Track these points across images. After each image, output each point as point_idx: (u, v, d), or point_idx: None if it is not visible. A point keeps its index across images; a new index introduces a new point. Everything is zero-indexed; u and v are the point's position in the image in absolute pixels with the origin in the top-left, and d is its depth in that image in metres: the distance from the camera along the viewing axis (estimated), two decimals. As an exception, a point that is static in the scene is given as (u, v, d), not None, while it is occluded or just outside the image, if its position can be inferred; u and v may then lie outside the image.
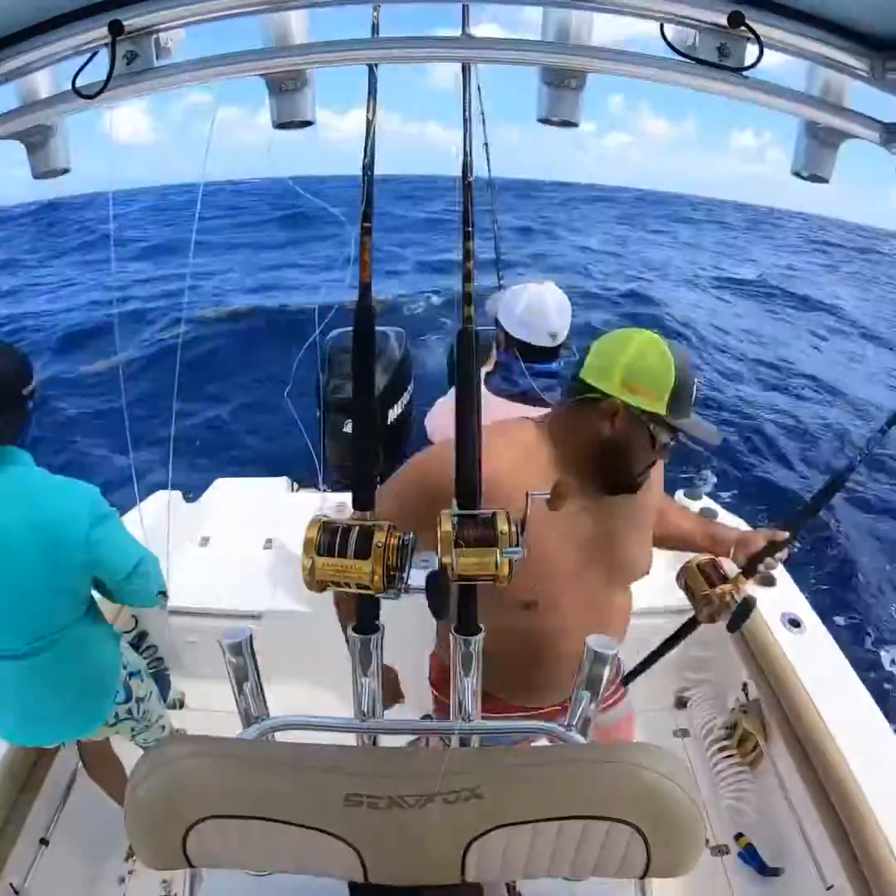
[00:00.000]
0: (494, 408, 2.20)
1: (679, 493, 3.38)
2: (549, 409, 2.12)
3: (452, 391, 2.60)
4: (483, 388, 2.22)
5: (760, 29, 0.82)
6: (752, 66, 0.85)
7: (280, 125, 1.00)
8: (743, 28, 0.82)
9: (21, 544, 1.74)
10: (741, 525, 3.16)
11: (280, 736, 1.33)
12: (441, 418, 2.29)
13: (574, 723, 1.37)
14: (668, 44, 0.89)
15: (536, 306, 2.20)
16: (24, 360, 1.80)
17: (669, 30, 0.89)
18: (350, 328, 1.29)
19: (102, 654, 2.10)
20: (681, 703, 3.07)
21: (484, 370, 2.35)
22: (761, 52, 0.83)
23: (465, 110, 1.42)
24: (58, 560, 1.79)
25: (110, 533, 1.89)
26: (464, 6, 1.15)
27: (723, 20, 0.82)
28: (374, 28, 1.07)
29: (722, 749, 2.70)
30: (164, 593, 2.15)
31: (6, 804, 2.02)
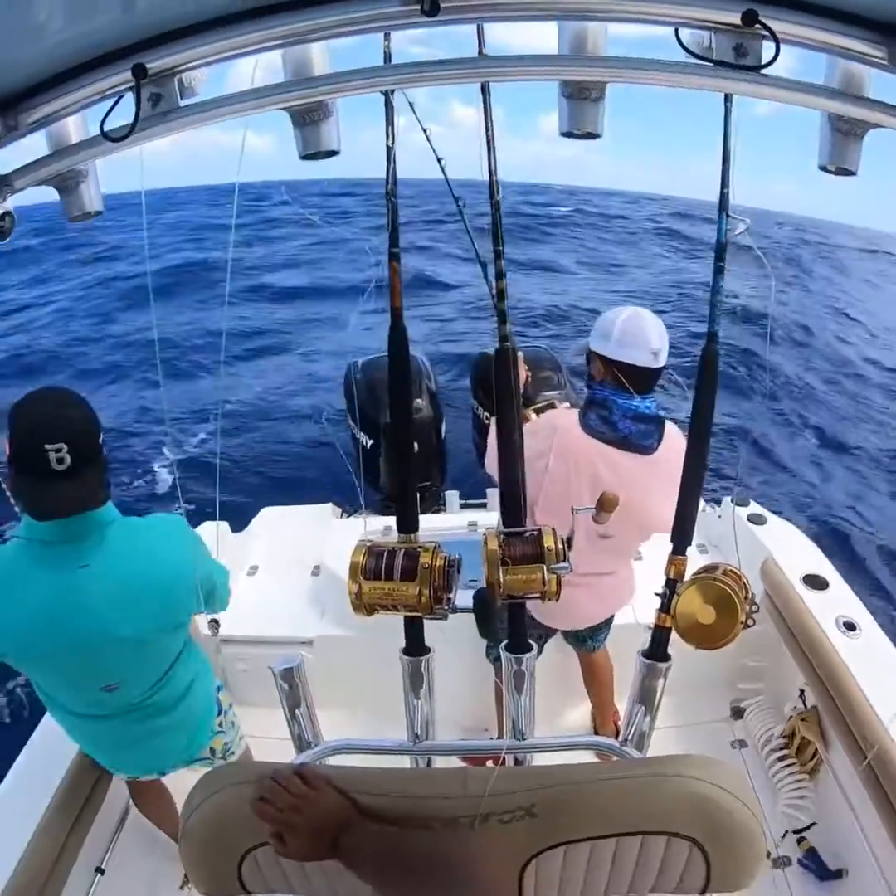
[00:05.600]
0: (587, 451, 2.09)
1: (726, 500, 3.32)
2: (646, 456, 2.08)
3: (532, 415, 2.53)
4: (577, 428, 2.11)
5: (775, 25, 0.81)
6: (771, 63, 0.84)
7: (306, 156, 1.00)
8: (758, 26, 0.81)
9: (145, 602, 1.72)
10: (792, 530, 3.10)
11: (333, 760, 1.34)
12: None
13: (628, 737, 1.35)
14: (684, 48, 0.88)
15: (635, 326, 2.05)
16: (89, 406, 1.65)
17: (684, 34, 0.88)
18: (382, 355, 1.30)
19: (202, 679, 2.10)
20: (737, 714, 3.01)
21: (570, 407, 2.27)
22: (778, 49, 0.82)
23: (487, 130, 1.43)
24: (177, 611, 1.82)
25: (209, 567, 1.91)
26: (479, 26, 1.16)
27: (736, 19, 0.81)
28: (387, 57, 1.09)
29: (781, 758, 2.64)
30: (215, 621, 2.15)
31: (62, 833, 2.03)
